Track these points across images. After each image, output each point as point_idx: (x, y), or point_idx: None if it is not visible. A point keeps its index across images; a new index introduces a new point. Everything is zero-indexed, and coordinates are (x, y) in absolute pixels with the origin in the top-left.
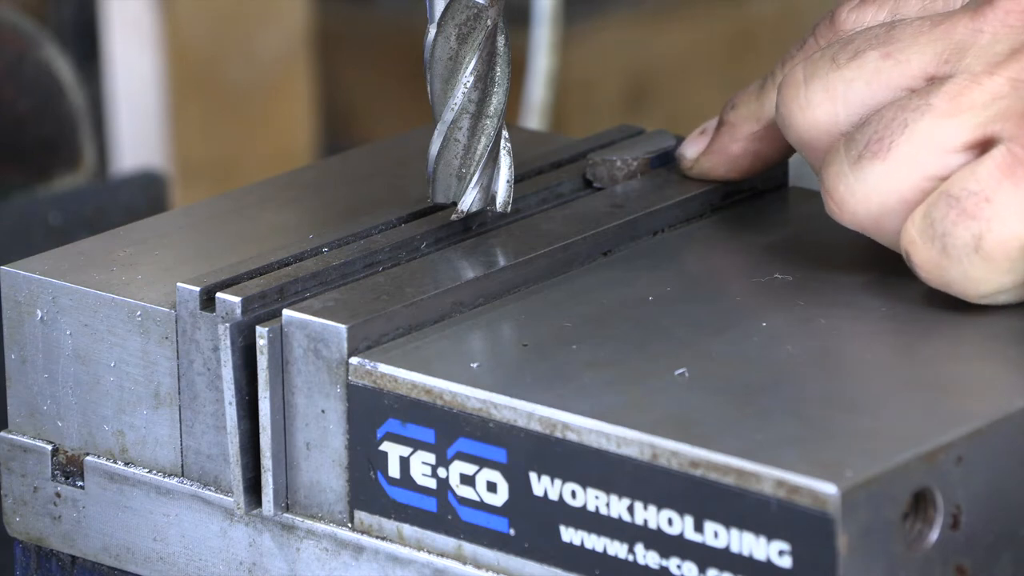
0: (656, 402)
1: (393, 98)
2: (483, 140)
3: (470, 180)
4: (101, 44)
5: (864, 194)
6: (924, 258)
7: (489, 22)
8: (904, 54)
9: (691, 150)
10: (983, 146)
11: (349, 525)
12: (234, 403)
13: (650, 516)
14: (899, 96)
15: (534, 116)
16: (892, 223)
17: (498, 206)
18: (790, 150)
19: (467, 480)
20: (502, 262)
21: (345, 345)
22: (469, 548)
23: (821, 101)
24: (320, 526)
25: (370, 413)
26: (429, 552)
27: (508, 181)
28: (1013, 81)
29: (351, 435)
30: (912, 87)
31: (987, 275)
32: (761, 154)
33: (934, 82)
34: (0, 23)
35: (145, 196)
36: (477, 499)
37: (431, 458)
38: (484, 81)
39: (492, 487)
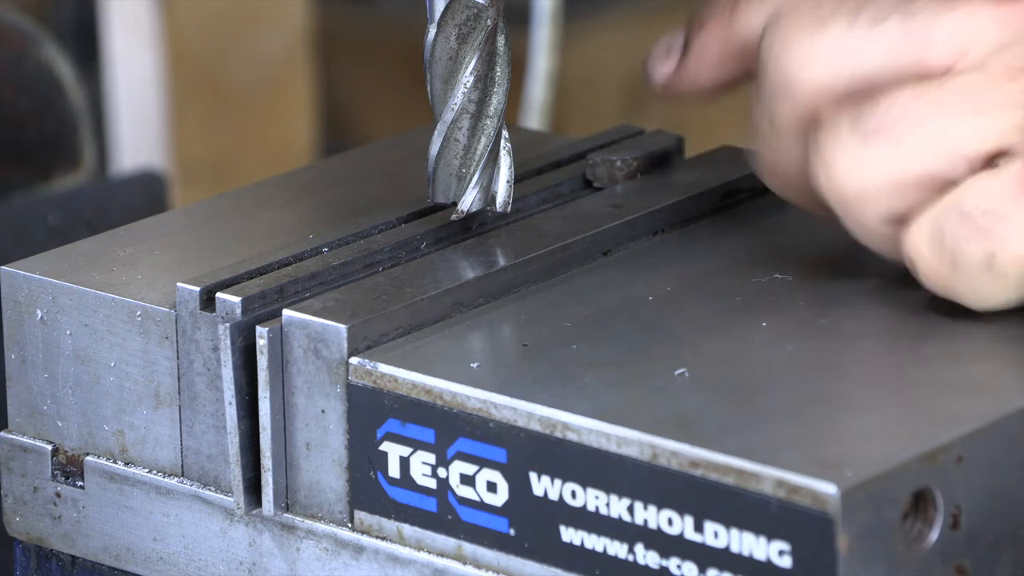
0: (656, 402)
1: (393, 98)
2: (483, 140)
3: (470, 180)
4: (101, 44)
5: (860, 173)
6: (932, 270)
7: (489, 22)
8: (925, 33)
9: (658, 71)
10: (994, 156)
11: (349, 525)
12: (234, 403)
13: (650, 516)
14: (912, 74)
15: (534, 116)
16: (874, 207)
17: (498, 206)
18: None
19: (467, 480)
20: (502, 262)
21: (345, 345)
22: (469, 548)
23: (828, 60)
24: (320, 526)
25: (370, 413)
26: (429, 552)
27: (508, 181)
28: None
29: (351, 435)
30: (928, 71)
31: (997, 291)
32: (729, 81)
33: (951, 73)
34: (0, 23)
35: (145, 196)
36: (477, 499)
37: (431, 458)
38: (484, 81)
39: (492, 487)
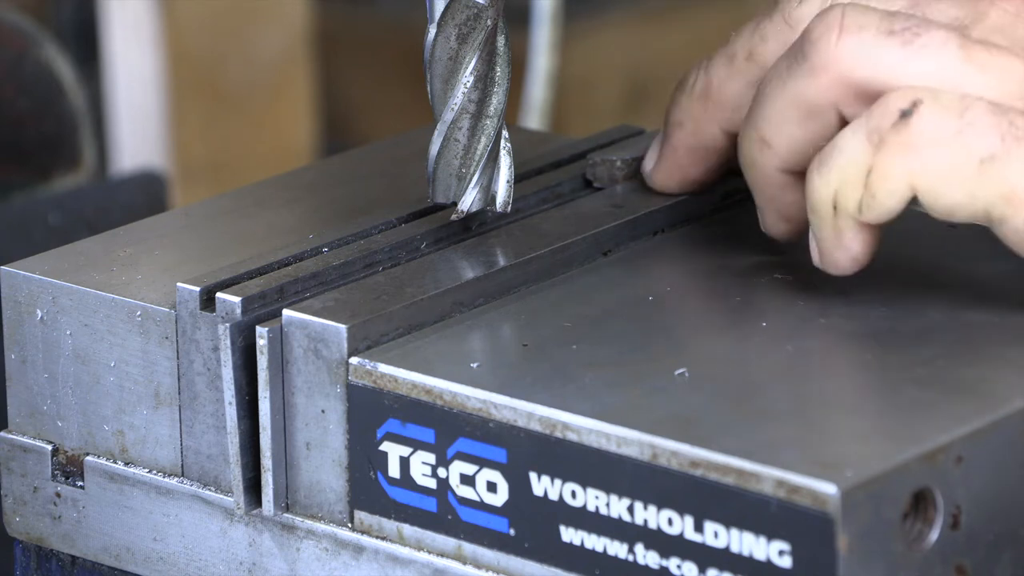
0: (656, 402)
1: (393, 98)
2: (483, 140)
3: (470, 180)
4: (101, 44)
5: (862, 61)
6: (939, 122)
7: (489, 22)
8: (927, 6)
9: (647, 163)
10: None
11: (349, 525)
12: (234, 403)
13: (650, 516)
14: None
15: (534, 116)
16: (856, 94)
17: (498, 206)
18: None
19: (467, 480)
20: (502, 262)
21: (345, 345)
22: (469, 548)
23: (879, 67)
24: (320, 526)
25: (370, 413)
26: (429, 552)
27: (508, 181)
28: None
29: (351, 435)
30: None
31: (958, 189)
32: (702, 179)
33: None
34: (0, 23)
35: (145, 196)
36: (477, 499)
37: (431, 458)
38: (484, 81)
39: (492, 487)
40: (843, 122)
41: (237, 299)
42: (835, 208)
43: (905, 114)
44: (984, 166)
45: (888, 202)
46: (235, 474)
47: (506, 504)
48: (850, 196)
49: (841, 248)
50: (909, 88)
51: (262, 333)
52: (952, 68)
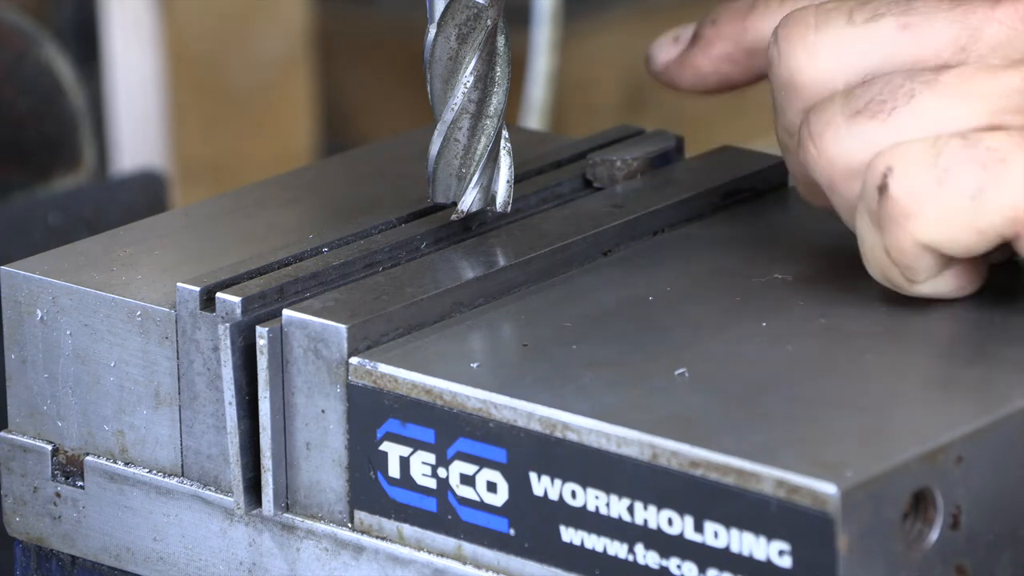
0: (656, 402)
1: (393, 98)
2: (483, 140)
3: (470, 180)
4: (101, 44)
5: (850, 149)
6: (910, 183)
7: (489, 22)
8: (921, 30)
9: (661, 56)
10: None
11: (349, 525)
12: (234, 403)
13: (650, 516)
14: (909, 69)
15: (534, 116)
16: (859, 186)
17: (498, 206)
18: (759, 78)
19: (467, 480)
20: (502, 262)
21: (345, 345)
22: (469, 548)
23: (828, 55)
24: (320, 526)
25: (370, 413)
26: (429, 552)
27: (508, 181)
28: None
29: (351, 435)
30: (924, 66)
31: (965, 227)
32: (731, 78)
33: (947, 67)
34: (0, 23)
35: (145, 196)
36: (477, 499)
37: (431, 458)
38: (484, 81)
39: (492, 487)
40: None
41: (237, 299)
42: (893, 283)
43: (882, 188)
44: (977, 200)
45: (923, 265)
46: (235, 474)
47: (506, 504)
48: (894, 274)
49: (935, 294)
50: (879, 157)
51: (262, 333)
52: (930, 112)
